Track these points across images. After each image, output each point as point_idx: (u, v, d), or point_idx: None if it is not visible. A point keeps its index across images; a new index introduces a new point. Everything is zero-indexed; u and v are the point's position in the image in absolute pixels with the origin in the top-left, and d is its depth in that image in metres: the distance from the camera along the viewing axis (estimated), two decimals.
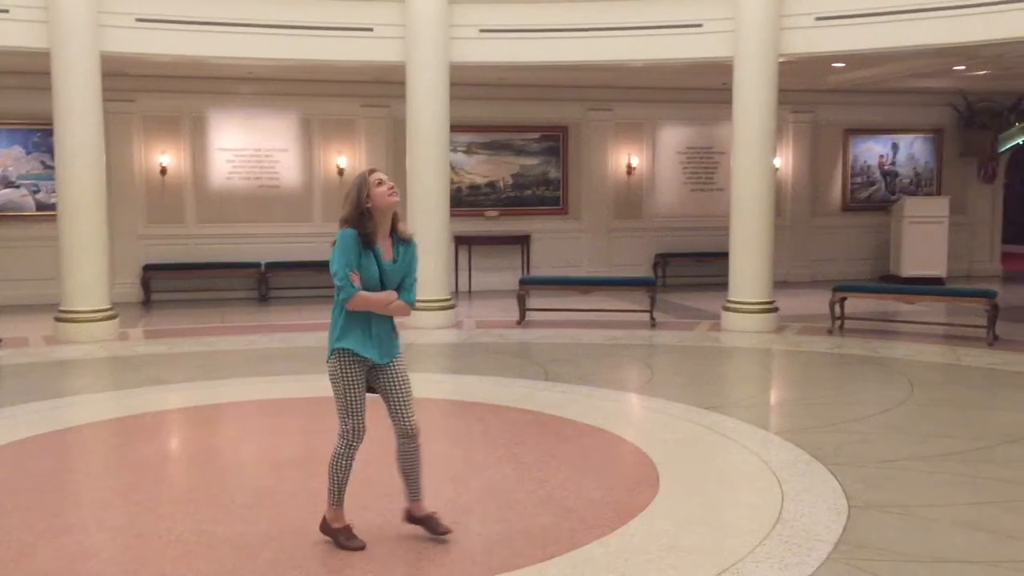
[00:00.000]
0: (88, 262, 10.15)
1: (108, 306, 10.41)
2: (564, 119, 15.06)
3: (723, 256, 11.50)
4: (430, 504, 4.59)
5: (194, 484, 5.49)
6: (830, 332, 10.60)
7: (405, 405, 4.42)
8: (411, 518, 4.54)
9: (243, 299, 13.79)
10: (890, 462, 5.73)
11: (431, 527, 4.49)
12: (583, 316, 11.33)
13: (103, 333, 10.19)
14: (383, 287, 4.30)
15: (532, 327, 11.15)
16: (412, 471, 4.50)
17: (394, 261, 4.33)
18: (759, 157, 10.73)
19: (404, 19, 10.86)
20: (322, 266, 13.79)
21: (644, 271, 14.91)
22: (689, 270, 15.34)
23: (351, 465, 4.41)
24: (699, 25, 10.86)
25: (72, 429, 6.72)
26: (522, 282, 11.83)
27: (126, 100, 13.08)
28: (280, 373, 8.57)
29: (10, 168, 13.01)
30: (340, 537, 4.41)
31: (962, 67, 12.96)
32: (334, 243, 4.26)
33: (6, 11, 9.76)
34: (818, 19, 10.50)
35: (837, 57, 11.61)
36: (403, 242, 4.37)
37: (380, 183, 4.25)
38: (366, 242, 4.23)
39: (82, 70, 9.91)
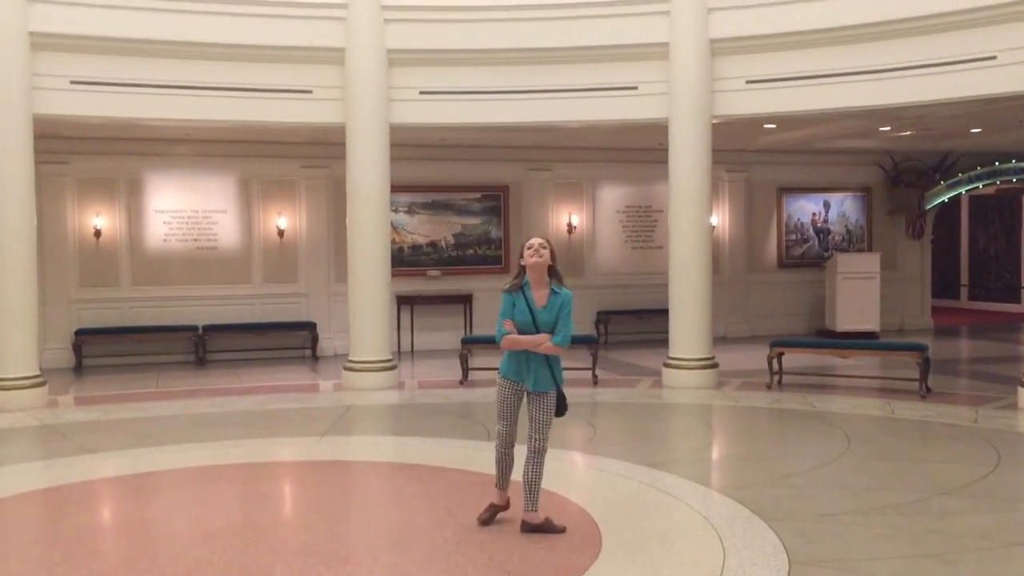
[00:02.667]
0: (17, 328, 9.87)
1: (37, 373, 10.11)
2: (505, 179, 15.21)
3: (663, 313, 11.62)
4: (367, 574, 4.48)
5: (123, 557, 5.29)
6: (769, 387, 10.73)
7: (539, 430, 5.36)
8: (525, 527, 5.37)
9: (179, 363, 13.51)
10: (829, 516, 5.77)
11: (548, 530, 5.36)
12: None
13: (32, 401, 9.87)
14: (537, 330, 5.31)
15: (475, 387, 11.09)
16: (535, 483, 5.36)
17: (545, 308, 5.31)
18: (695, 215, 10.93)
19: (343, 81, 10.94)
20: (262, 328, 13.84)
21: (586, 328, 14.98)
22: (630, 327, 15.46)
23: (498, 456, 5.56)
24: (634, 88, 11.11)
25: None
26: (464, 341, 11.80)
27: (60, 162, 12.90)
28: (216, 439, 8.37)
29: None
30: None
31: (887, 128, 13.44)
32: None
33: None
34: (749, 82, 10.83)
35: (768, 118, 11.97)
36: (555, 293, 5.34)
37: (530, 247, 5.33)
38: (515, 289, 5.37)
39: (13, 132, 9.75)
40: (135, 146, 13.28)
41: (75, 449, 7.98)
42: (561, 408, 5.45)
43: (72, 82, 10.19)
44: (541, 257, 5.28)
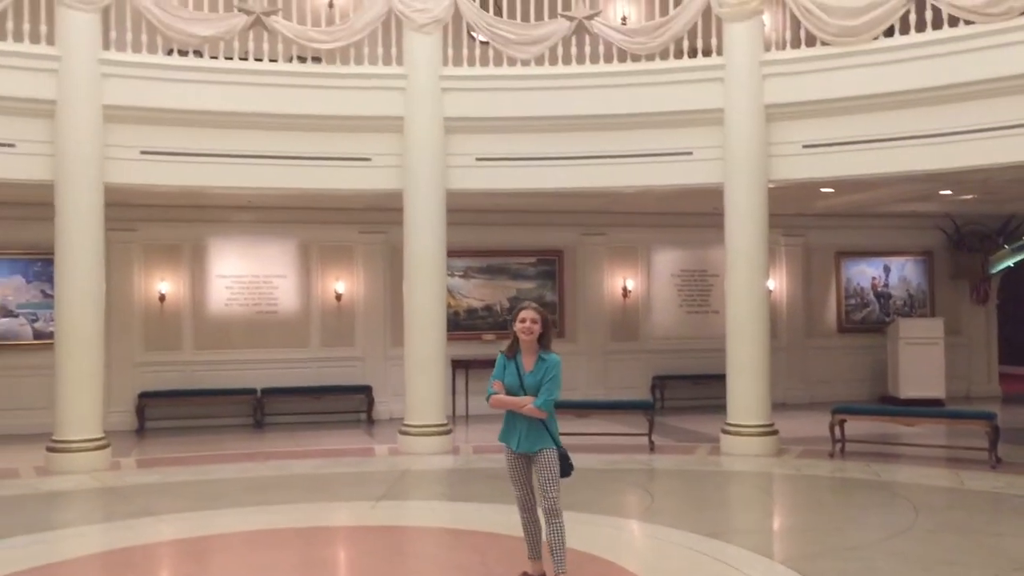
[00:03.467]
0: (83, 392, 10.07)
1: (101, 435, 10.27)
2: (559, 243, 15.29)
3: (720, 378, 11.45)
4: None
5: None
6: (831, 455, 10.48)
7: (544, 489, 5.40)
8: None
9: (239, 426, 13.65)
10: None
11: None
12: (580, 440, 11.17)
13: (95, 463, 10.01)
14: (525, 392, 5.45)
15: None
16: (555, 545, 5.35)
17: (532, 372, 5.47)
18: (752, 280, 10.85)
19: (402, 148, 11.15)
20: (319, 391, 13.95)
21: (642, 393, 14.82)
22: (687, 392, 15.26)
23: (522, 522, 5.62)
24: (689, 153, 11.14)
25: (56, 565, 6.52)
26: None
27: (128, 229, 13.27)
28: (273, 502, 8.41)
29: (9, 297, 13.09)
30: None
31: (948, 192, 13.25)
32: None
33: (12, 145, 10.01)
34: (805, 147, 10.80)
35: (825, 183, 11.89)
36: (542, 359, 5.47)
37: (522, 321, 5.48)
38: (509, 355, 5.56)
39: (86, 201, 10.09)
40: (200, 213, 13.65)
41: (137, 512, 8.07)
42: (566, 468, 5.50)
43: (142, 152, 10.54)
44: (532, 334, 5.48)
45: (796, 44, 10.86)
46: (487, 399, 5.63)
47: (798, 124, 10.78)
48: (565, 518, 5.48)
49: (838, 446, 10.61)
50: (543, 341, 5.53)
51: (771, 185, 10.93)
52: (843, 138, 10.56)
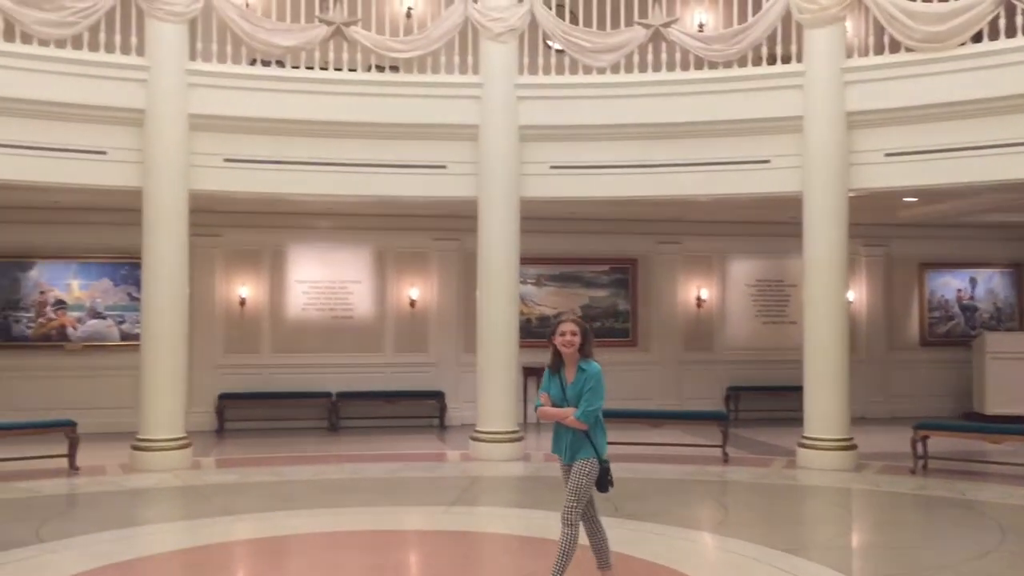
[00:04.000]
0: (167, 392, 10.37)
1: (183, 435, 10.56)
2: (633, 252, 15.20)
3: (797, 390, 11.23)
4: None
5: None
6: (913, 472, 10.18)
7: (567, 494, 5.44)
8: None
9: (313, 428, 13.88)
10: None
11: None
12: (653, 450, 11.10)
13: (177, 462, 10.29)
14: (568, 404, 5.44)
15: None
16: (559, 552, 5.36)
17: (573, 384, 5.47)
18: (831, 291, 10.62)
19: (477, 156, 11.23)
20: (392, 396, 14.12)
21: (715, 404, 14.63)
22: (762, 404, 15.00)
23: (587, 532, 5.59)
24: (767, 161, 10.98)
25: (138, 561, 6.72)
26: None
27: (212, 235, 13.60)
28: (347, 505, 8.53)
29: (98, 299, 13.55)
30: None
31: None
32: None
33: (103, 152, 10.36)
34: (887, 155, 10.53)
35: (908, 192, 11.58)
36: (582, 370, 5.45)
37: (562, 334, 5.43)
38: (554, 369, 5.52)
39: (172, 207, 10.40)
40: (280, 220, 13.94)
41: (216, 511, 8.28)
42: (603, 483, 5.51)
43: (225, 160, 10.82)
44: (572, 346, 5.46)
45: (879, 50, 10.62)
46: (535, 410, 5.68)
47: (880, 132, 10.54)
48: (574, 527, 5.47)
49: (920, 462, 10.31)
50: (583, 350, 5.51)
51: (851, 194, 10.69)
52: (928, 146, 10.27)
